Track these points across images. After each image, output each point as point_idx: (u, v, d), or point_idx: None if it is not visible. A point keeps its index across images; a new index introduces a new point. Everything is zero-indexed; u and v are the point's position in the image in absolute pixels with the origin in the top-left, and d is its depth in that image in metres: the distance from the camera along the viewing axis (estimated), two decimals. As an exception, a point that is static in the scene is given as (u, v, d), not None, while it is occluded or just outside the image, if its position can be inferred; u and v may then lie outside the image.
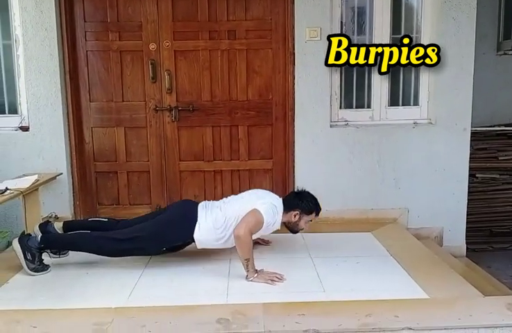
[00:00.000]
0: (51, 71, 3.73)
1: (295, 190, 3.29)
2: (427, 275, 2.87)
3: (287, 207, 3.02)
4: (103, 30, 3.87)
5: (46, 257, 3.02)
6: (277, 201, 3.03)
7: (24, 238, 2.92)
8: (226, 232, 2.92)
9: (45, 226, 3.14)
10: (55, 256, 3.12)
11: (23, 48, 3.73)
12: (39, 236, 2.94)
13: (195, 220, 2.94)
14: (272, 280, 2.75)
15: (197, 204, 3.08)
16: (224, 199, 3.15)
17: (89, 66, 3.90)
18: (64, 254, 3.16)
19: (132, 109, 3.96)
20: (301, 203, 3.04)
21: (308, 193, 3.16)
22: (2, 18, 3.81)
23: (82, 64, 3.89)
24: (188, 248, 3.13)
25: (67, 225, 3.20)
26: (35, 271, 2.91)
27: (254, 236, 2.94)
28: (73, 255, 3.24)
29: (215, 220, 2.94)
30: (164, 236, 2.93)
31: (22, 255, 2.87)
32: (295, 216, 3.03)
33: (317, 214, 3.13)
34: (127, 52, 3.89)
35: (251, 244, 2.81)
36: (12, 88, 3.88)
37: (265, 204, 2.93)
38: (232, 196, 3.16)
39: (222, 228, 2.92)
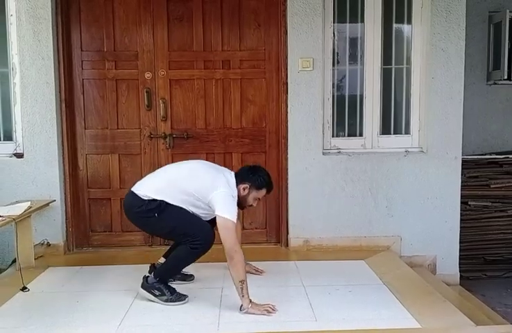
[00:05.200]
0: (47, 99, 3.77)
1: (250, 164, 3.17)
2: (419, 304, 2.86)
3: (238, 180, 2.90)
4: (100, 59, 3.93)
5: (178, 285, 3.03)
6: (230, 180, 2.88)
7: (144, 281, 2.91)
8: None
9: (153, 268, 3.13)
10: (182, 282, 3.16)
11: (20, 76, 3.78)
12: (152, 274, 2.94)
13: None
14: (267, 311, 2.70)
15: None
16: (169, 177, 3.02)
17: (84, 94, 3.95)
18: (191, 279, 3.21)
19: (127, 136, 3.99)
20: (252, 177, 2.93)
21: (263, 168, 3.07)
22: (0, 46, 3.87)
23: (78, 92, 3.94)
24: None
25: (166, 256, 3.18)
26: (170, 301, 2.86)
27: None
28: (64, 283, 3.22)
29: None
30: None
31: (151, 295, 2.87)
32: (244, 189, 2.90)
33: (268, 192, 3.03)
34: (122, 80, 3.95)
35: (244, 261, 2.74)
36: (8, 115, 3.91)
37: (221, 199, 2.77)
38: (180, 174, 2.99)
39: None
